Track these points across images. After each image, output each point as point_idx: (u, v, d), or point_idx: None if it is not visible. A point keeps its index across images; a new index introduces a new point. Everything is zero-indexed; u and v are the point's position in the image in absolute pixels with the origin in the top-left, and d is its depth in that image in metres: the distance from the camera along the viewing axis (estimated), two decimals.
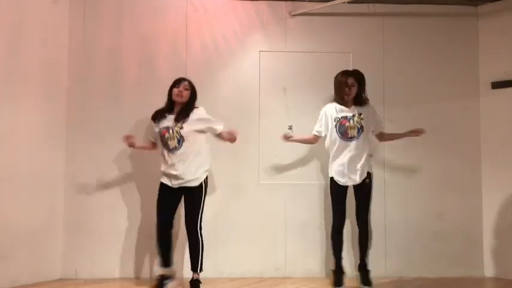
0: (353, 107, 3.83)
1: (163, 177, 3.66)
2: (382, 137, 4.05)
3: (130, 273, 4.20)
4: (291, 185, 4.36)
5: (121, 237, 4.22)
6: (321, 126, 3.90)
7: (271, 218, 4.32)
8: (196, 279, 3.61)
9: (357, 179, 3.74)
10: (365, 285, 3.76)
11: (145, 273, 4.21)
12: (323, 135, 3.90)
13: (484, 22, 4.53)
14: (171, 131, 3.61)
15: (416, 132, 3.89)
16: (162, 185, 3.67)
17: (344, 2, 4.23)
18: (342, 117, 3.79)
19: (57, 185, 4.17)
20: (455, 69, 4.52)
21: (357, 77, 3.82)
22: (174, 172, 3.59)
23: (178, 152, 3.60)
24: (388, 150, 4.35)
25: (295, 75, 4.45)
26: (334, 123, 3.80)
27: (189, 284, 3.63)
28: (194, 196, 3.60)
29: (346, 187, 3.79)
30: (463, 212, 4.42)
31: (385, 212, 4.37)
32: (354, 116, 3.78)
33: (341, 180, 3.76)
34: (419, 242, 4.38)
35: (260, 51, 4.45)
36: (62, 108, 4.24)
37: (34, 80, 4.00)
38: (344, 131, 3.77)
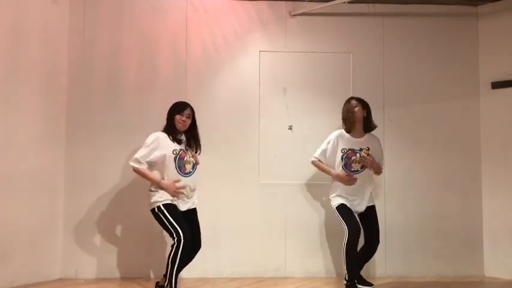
0: (364, 137, 3.82)
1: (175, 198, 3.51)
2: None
3: (130, 273, 4.20)
4: (291, 185, 4.36)
5: (121, 237, 4.22)
6: (322, 154, 3.86)
7: (271, 218, 4.32)
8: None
9: (358, 209, 3.77)
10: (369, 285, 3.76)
11: (145, 273, 4.21)
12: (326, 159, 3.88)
13: (484, 22, 4.53)
14: (188, 154, 3.57)
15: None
16: (174, 205, 3.49)
17: (344, 2, 4.23)
18: (349, 149, 3.78)
19: (57, 185, 4.17)
20: (455, 69, 4.52)
21: (360, 100, 3.82)
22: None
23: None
24: (388, 150, 4.34)
25: (295, 75, 4.45)
26: (341, 154, 3.79)
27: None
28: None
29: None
30: (463, 212, 4.42)
31: (385, 212, 4.37)
32: (361, 149, 3.77)
33: (347, 203, 3.75)
34: (419, 242, 4.38)
35: (260, 51, 4.45)
36: (62, 108, 4.24)
37: (34, 80, 4.00)
38: (349, 164, 3.76)
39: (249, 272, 4.25)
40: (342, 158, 3.78)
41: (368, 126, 3.85)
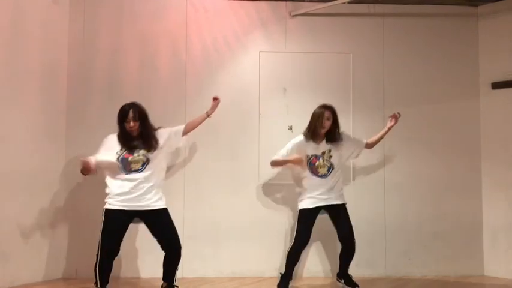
0: (323, 142, 3.82)
1: None
2: (369, 146, 4.00)
3: (130, 273, 4.20)
4: (291, 185, 4.35)
5: None
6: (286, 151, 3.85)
7: (271, 218, 4.32)
8: None
9: (325, 203, 3.78)
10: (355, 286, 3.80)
11: (145, 273, 4.21)
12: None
13: (484, 22, 4.53)
14: None
15: (392, 119, 3.94)
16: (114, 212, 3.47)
17: (344, 2, 4.23)
18: (311, 156, 3.80)
19: (57, 185, 4.17)
20: (455, 69, 4.52)
21: (333, 111, 3.79)
22: None
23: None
24: (388, 150, 4.35)
25: (295, 75, 4.45)
26: (306, 159, 3.81)
27: None
28: None
29: (315, 211, 3.80)
30: (463, 212, 4.43)
31: (385, 212, 4.38)
32: (323, 153, 3.80)
33: (311, 206, 3.77)
34: (419, 242, 4.38)
35: (260, 51, 4.45)
36: (62, 108, 4.24)
37: (34, 80, 4.01)
38: (314, 169, 3.79)
39: (248, 271, 4.25)
40: (308, 165, 3.79)
41: (331, 138, 3.81)
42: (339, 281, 3.91)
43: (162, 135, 3.57)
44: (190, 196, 4.23)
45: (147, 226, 3.52)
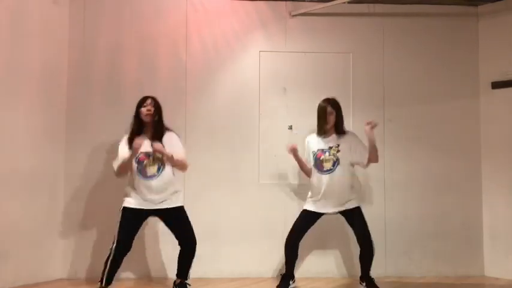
0: (333, 136, 3.80)
1: None
2: (369, 160, 3.84)
3: (130, 273, 4.19)
4: (291, 185, 4.36)
5: None
6: (308, 156, 3.90)
7: (271, 218, 4.32)
8: None
9: (324, 210, 3.77)
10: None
11: (145, 273, 4.21)
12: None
13: (484, 22, 4.53)
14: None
15: (369, 126, 3.73)
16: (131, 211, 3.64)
17: (344, 2, 4.23)
18: (318, 150, 3.79)
19: (57, 185, 4.17)
20: (455, 69, 4.52)
21: (335, 105, 3.79)
22: None
23: None
24: (388, 150, 4.35)
25: (295, 75, 4.45)
26: (312, 155, 3.82)
27: None
28: None
29: (316, 215, 3.79)
30: (463, 212, 4.42)
31: (385, 212, 4.37)
32: (330, 148, 3.76)
33: (310, 209, 3.78)
34: (419, 242, 4.38)
35: (260, 51, 4.45)
36: (62, 108, 4.24)
37: (34, 80, 4.00)
38: (320, 164, 3.77)
39: (249, 272, 4.25)
40: (314, 161, 3.80)
41: (338, 130, 3.80)
42: (361, 283, 3.83)
43: (174, 140, 3.63)
44: (190, 196, 4.22)
45: (164, 222, 3.66)
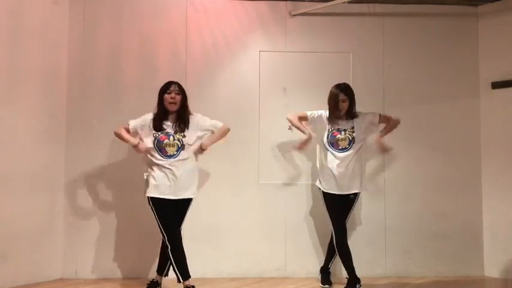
0: (345, 120, 3.85)
1: None
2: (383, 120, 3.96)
3: (130, 273, 4.20)
4: (291, 185, 4.36)
5: (121, 237, 4.22)
6: (312, 115, 3.94)
7: (271, 218, 4.32)
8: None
9: (344, 190, 3.79)
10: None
11: (145, 273, 4.21)
12: (308, 120, 3.95)
13: (484, 22, 4.53)
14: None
15: (383, 149, 3.97)
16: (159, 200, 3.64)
17: (344, 2, 4.23)
18: (333, 129, 3.84)
19: (57, 185, 4.17)
20: (455, 69, 4.52)
21: (348, 92, 3.82)
22: None
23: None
24: None
25: (295, 75, 4.45)
26: (327, 133, 3.85)
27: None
28: None
29: (339, 196, 3.81)
30: (463, 211, 4.43)
31: (385, 212, 4.37)
32: (345, 130, 3.82)
33: (330, 191, 3.80)
34: (419, 242, 4.38)
35: (260, 51, 4.45)
36: (62, 108, 4.24)
37: (34, 80, 4.01)
38: (335, 142, 3.80)
39: (249, 272, 4.25)
40: (327, 137, 3.82)
41: (351, 115, 3.85)
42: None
43: (201, 121, 3.66)
44: None
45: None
